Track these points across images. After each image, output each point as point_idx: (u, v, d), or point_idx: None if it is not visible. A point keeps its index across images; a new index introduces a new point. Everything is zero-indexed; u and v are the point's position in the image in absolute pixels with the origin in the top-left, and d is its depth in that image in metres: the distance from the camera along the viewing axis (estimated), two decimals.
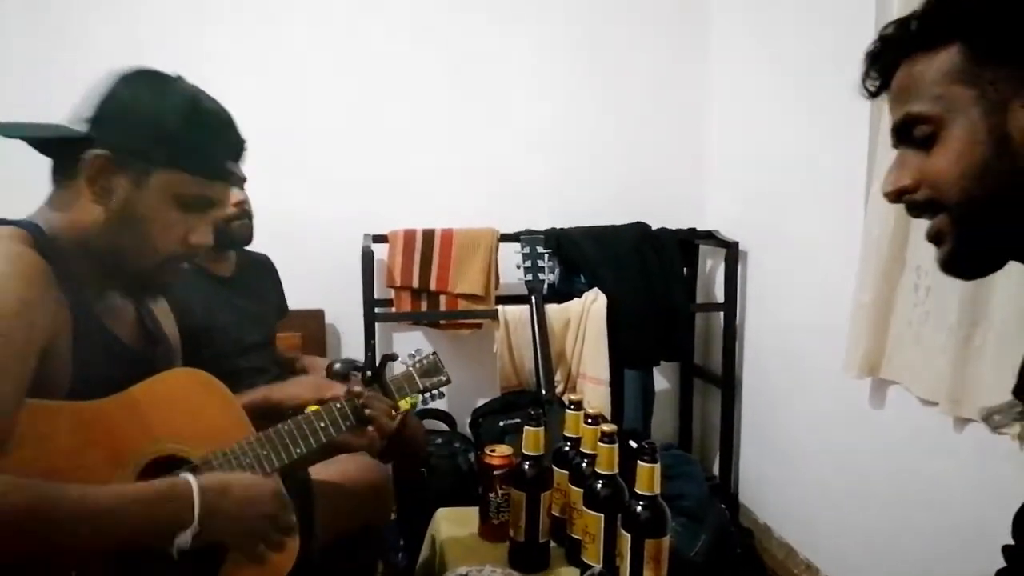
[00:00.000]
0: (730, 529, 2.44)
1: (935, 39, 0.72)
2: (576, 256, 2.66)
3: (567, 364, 2.58)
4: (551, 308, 2.51)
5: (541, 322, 2.41)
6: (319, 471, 1.53)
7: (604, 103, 2.86)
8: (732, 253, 2.67)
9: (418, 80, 2.74)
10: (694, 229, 2.82)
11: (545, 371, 2.34)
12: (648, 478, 1.22)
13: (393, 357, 1.49)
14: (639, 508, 1.23)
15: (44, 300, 0.96)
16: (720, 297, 2.77)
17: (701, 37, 2.87)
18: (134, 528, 0.93)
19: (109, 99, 1.03)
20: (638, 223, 2.76)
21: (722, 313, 2.73)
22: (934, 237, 0.75)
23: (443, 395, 1.68)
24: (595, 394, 2.47)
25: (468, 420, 2.64)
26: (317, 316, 2.67)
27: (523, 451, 1.41)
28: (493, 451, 1.50)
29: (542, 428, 1.41)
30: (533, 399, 2.43)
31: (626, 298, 2.60)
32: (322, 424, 1.29)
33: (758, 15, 2.60)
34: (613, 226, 2.73)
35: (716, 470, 2.79)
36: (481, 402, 2.67)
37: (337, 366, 1.97)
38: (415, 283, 2.64)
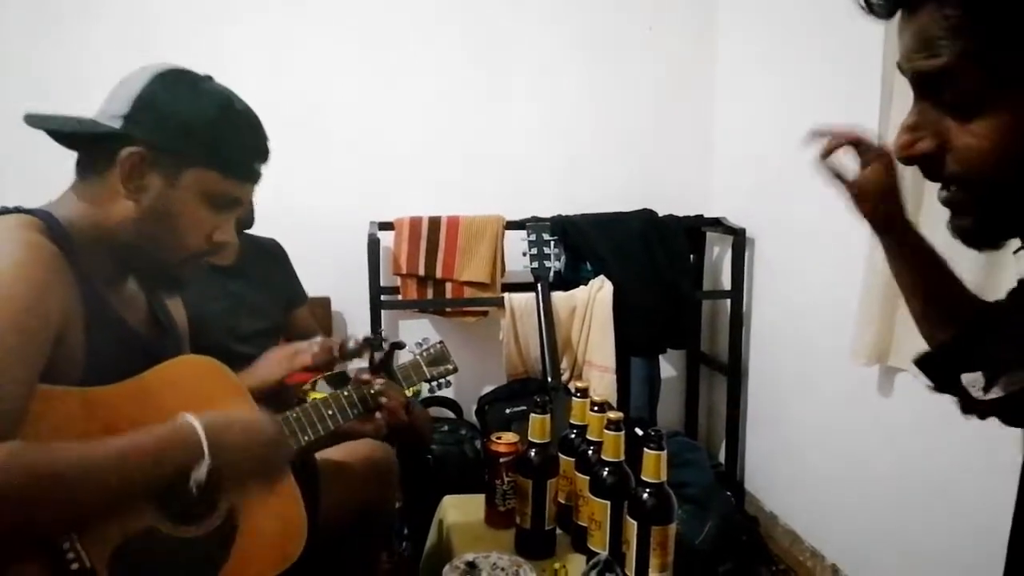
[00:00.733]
0: (736, 516, 2.44)
1: None
2: (582, 244, 2.65)
3: (573, 351, 2.58)
4: (557, 296, 2.51)
5: (547, 309, 2.41)
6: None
7: (611, 90, 2.84)
8: (739, 240, 2.65)
9: (425, 68, 2.72)
10: (701, 216, 2.81)
11: (551, 359, 2.35)
12: (654, 465, 1.23)
13: (401, 345, 1.49)
14: (645, 495, 1.23)
15: (58, 287, 0.96)
16: (727, 284, 2.77)
17: (709, 24, 2.85)
18: (146, 474, 0.95)
19: (144, 97, 1.03)
20: (645, 210, 2.74)
21: (729, 300, 2.73)
22: (951, 204, 0.66)
23: (450, 384, 1.69)
24: (601, 381, 2.48)
25: (474, 407, 2.65)
26: (324, 304, 2.67)
27: (529, 438, 1.42)
28: (499, 438, 1.50)
29: (548, 415, 1.41)
30: (539, 386, 2.44)
31: (632, 285, 2.59)
32: (330, 412, 1.30)
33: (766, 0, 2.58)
34: (620, 213, 2.71)
35: (722, 458, 2.79)
36: (487, 389, 2.68)
37: (351, 344, 1.96)
38: (421, 271, 2.64)
